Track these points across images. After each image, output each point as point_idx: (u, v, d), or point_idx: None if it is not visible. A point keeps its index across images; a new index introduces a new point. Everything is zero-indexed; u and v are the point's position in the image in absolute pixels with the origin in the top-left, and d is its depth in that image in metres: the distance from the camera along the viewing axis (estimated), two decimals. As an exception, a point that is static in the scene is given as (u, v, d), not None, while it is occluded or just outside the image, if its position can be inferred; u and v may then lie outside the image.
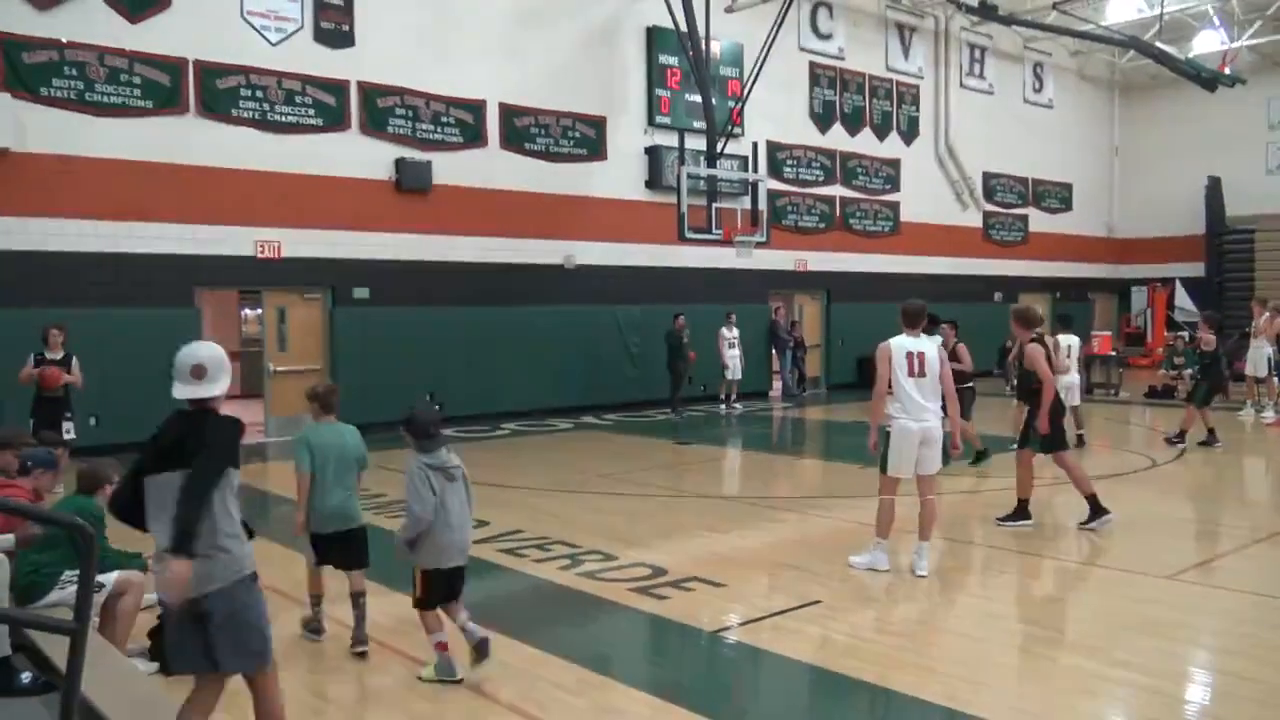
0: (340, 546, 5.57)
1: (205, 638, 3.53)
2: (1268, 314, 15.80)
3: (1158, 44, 22.47)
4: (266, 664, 3.76)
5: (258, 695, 3.81)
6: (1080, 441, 13.13)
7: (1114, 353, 22.42)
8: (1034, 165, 27.50)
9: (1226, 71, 23.95)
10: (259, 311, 16.75)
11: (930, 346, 7.05)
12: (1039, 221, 27.82)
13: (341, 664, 5.39)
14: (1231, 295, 28.50)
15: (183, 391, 3.69)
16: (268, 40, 14.40)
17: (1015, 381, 12.30)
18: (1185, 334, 23.93)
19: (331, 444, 5.58)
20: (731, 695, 5.20)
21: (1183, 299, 28.21)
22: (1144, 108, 30.38)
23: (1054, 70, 28.11)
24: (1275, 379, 15.92)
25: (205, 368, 3.69)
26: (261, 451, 14.05)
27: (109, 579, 5.13)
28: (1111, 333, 26.24)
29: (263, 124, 14.35)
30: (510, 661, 5.39)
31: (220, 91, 13.97)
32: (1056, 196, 28.52)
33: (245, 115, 14.19)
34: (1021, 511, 8.55)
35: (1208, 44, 25.66)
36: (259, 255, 14.45)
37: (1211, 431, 13.11)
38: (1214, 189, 28.47)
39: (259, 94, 14.31)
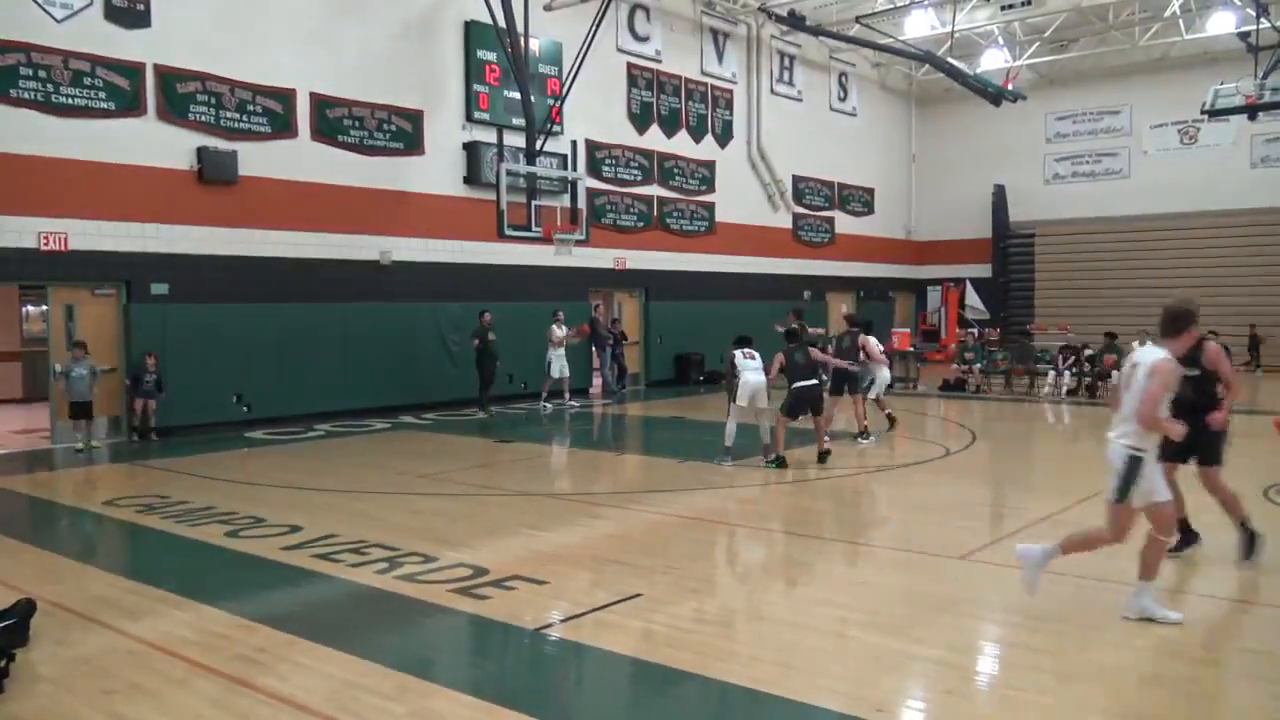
0: None
1: None
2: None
3: (949, 59, 24.00)
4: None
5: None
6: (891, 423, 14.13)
7: (912, 348, 23.84)
8: (839, 170, 28.86)
9: (1010, 88, 25.86)
10: (44, 309, 15.53)
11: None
12: (844, 224, 29.21)
13: (146, 679, 5.09)
14: (1015, 294, 30.93)
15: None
16: (52, 16, 13.36)
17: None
18: (974, 330, 25.74)
19: None
20: (554, 693, 5.22)
21: (972, 298, 30.36)
22: (938, 119, 32.38)
23: (857, 80, 29.56)
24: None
25: None
26: (48, 459, 13.06)
27: None
28: (910, 329, 27.96)
29: (46, 106, 13.31)
30: (326, 670, 5.23)
31: (-4, 69, 12.89)
32: (860, 200, 30.01)
33: (25, 96, 13.13)
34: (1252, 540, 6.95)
35: (993, 62, 27.63)
36: (43, 247, 13.39)
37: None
38: (999, 196, 30.76)
39: (42, 74, 13.25)
